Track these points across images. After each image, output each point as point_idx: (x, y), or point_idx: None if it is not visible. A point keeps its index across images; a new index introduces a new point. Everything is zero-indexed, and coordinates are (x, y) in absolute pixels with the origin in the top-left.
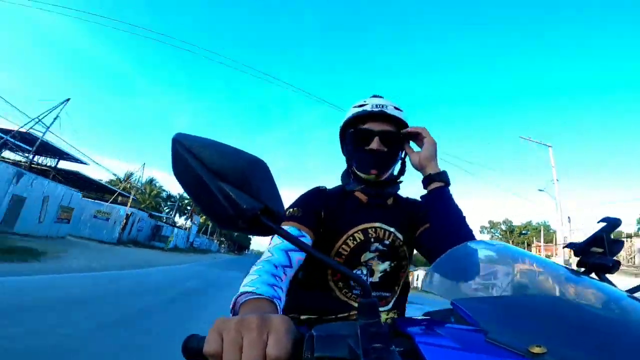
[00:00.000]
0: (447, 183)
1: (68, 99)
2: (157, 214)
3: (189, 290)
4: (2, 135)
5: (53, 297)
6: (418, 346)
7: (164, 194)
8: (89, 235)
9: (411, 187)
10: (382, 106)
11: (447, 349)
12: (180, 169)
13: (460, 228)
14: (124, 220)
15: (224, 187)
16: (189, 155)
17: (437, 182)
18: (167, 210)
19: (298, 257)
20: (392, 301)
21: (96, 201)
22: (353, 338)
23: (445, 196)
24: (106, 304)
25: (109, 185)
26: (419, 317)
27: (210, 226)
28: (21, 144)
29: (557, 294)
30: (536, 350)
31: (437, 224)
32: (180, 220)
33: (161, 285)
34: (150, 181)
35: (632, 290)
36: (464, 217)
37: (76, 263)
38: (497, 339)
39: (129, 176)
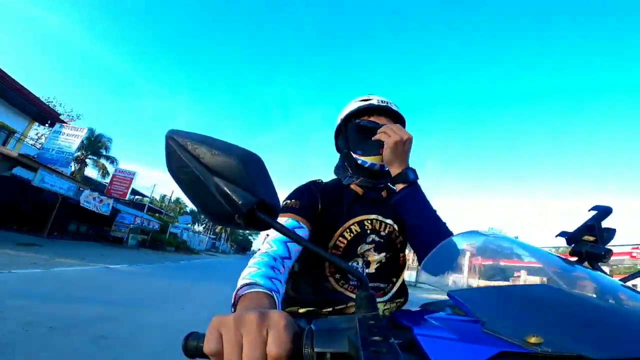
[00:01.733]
0: (411, 182)
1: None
2: (212, 236)
3: (235, 261)
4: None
5: (227, 262)
6: (416, 338)
7: (187, 209)
8: (197, 249)
9: None
10: (387, 102)
11: (445, 340)
12: (175, 166)
13: (434, 227)
14: (206, 242)
15: (219, 182)
16: (183, 151)
17: (400, 184)
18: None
19: (296, 247)
20: (390, 292)
21: (201, 235)
22: (352, 331)
23: (410, 197)
24: (227, 265)
25: (154, 206)
26: (417, 309)
27: (226, 233)
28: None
29: (552, 283)
30: (533, 340)
31: (411, 227)
32: (199, 228)
33: (231, 260)
34: (177, 200)
35: (625, 279)
36: (437, 216)
37: (223, 257)
38: (494, 329)
39: (163, 198)
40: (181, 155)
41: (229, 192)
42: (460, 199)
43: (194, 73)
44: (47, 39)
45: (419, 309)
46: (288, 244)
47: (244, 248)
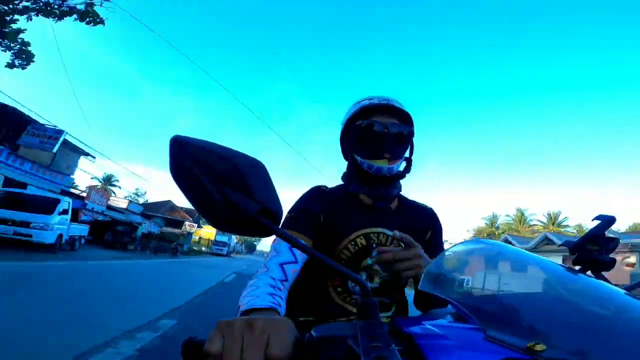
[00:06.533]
0: None
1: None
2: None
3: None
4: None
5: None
6: (418, 345)
7: None
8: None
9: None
10: (388, 100)
11: (447, 347)
12: (178, 171)
13: None
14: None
15: (222, 188)
16: (187, 157)
17: None
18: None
19: (293, 269)
20: (393, 307)
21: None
22: (353, 338)
23: None
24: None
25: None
26: (419, 316)
27: (241, 240)
28: None
29: (555, 291)
30: (535, 347)
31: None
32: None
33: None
34: None
35: (628, 288)
36: None
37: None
38: (496, 336)
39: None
40: (185, 160)
41: (232, 198)
42: (462, 194)
43: (194, 73)
44: (47, 40)
45: (421, 315)
46: (284, 265)
47: (251, 249)
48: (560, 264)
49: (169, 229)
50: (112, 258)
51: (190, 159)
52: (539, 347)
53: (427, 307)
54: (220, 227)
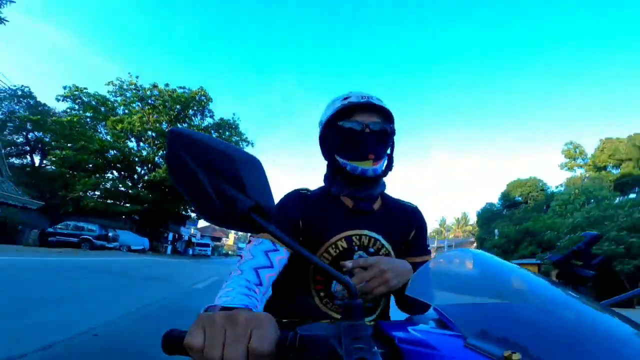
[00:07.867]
0: None
1: None
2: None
3: None
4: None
5: None
6: (399, 348)
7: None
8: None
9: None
10: (368, 97)
11: (428, 352)
12: (175, 163)
13: None
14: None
15: (217, 183)
16: (184, 149)
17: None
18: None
19: (268, 274)
20: (377, 311)
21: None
22: (336, 338)
23: None
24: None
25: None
26: (402, 321)
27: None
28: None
29: (534, 303)
30: (511, 356)
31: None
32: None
33: None
34: None
35: (606, 303)
36: None
37: None
38: (476, 344)
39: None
40: (182, 153)
41: (225, 193)
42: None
43: (194, 73)
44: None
45: (404, 320)
46: (259, 270)
47: None
48: (542, 277)
49: (215, 243)
50: (221, 258)
51: (187, 152)
52: (515, 357)
53: (411, 310)
54: (212, 220)
